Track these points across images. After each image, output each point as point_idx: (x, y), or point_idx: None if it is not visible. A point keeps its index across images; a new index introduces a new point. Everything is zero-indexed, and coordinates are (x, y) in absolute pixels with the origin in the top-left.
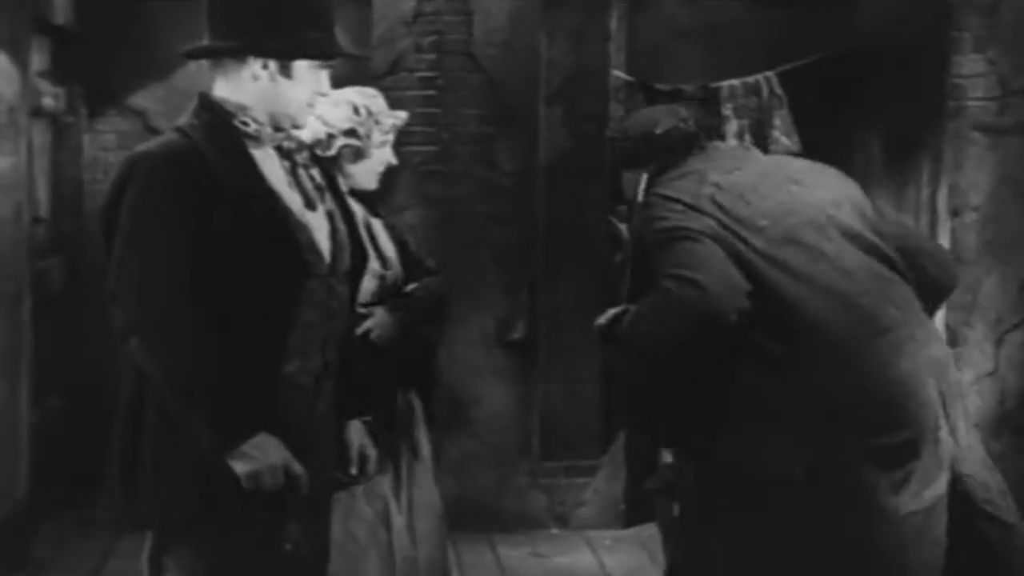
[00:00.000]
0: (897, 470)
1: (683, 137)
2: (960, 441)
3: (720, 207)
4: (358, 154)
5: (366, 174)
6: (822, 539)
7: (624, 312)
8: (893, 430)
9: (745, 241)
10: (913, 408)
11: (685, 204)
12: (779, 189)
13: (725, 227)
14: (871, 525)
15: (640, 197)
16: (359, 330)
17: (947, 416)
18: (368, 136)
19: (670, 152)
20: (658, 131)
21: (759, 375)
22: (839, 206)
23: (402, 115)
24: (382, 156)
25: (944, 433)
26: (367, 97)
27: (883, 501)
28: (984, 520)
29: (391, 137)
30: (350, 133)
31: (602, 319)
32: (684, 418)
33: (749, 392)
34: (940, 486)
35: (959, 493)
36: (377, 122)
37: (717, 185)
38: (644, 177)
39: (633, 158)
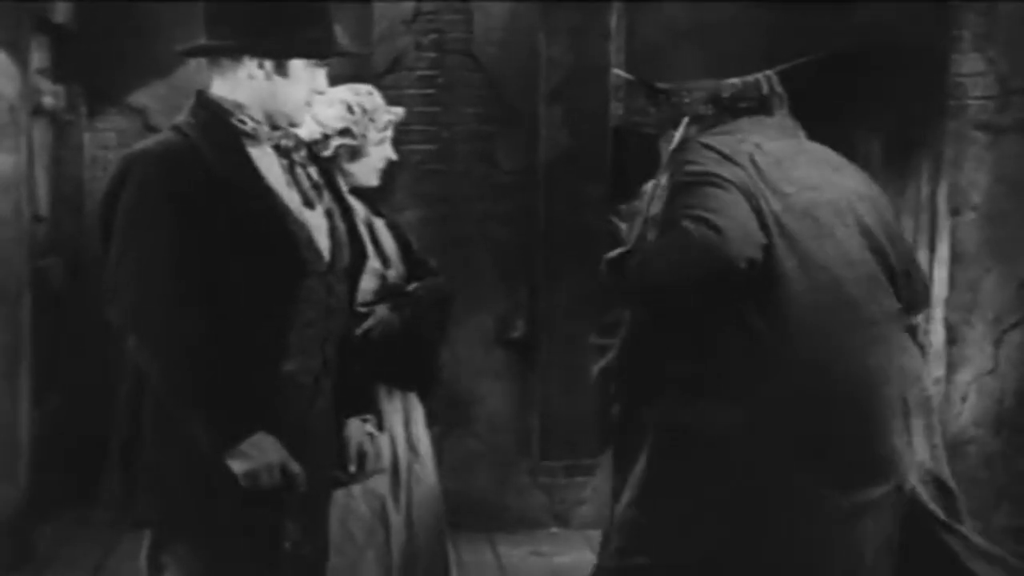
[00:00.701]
0: (835, 461)
1: (749, 97)
2: (916, 455)
3: (755, 164)
4: (355, 153)
5: (366, 172)
6: (742, 514)
7: (634, 250)
8: (846, 421)
9: (768, 203)
10: (871, 405)
11: (721, 154)
12: (814, 165)
13: (754, 183)
14: (789, 508)
15: (675, 144)
16: (360, 329)
17: (908, 428)
18: (364, 134)
19: (726, 113)
20: (725, 95)
21: (737, 346)
22: (863, 199)
23: (398, 111)
24: (381, 153)
25: (902, 443)
26: (361, 95)
27: (808, 488)
28: (945, 532)
29: (389, 133)
30: (345, 132)
31: (613, 253)
32: (656, 383)
33: (723, 363)
34: (875, 492)
35: (914, 505)
36: (372, 119)
37: (758, 146)
38: (683, 125)
39: (696, 118)
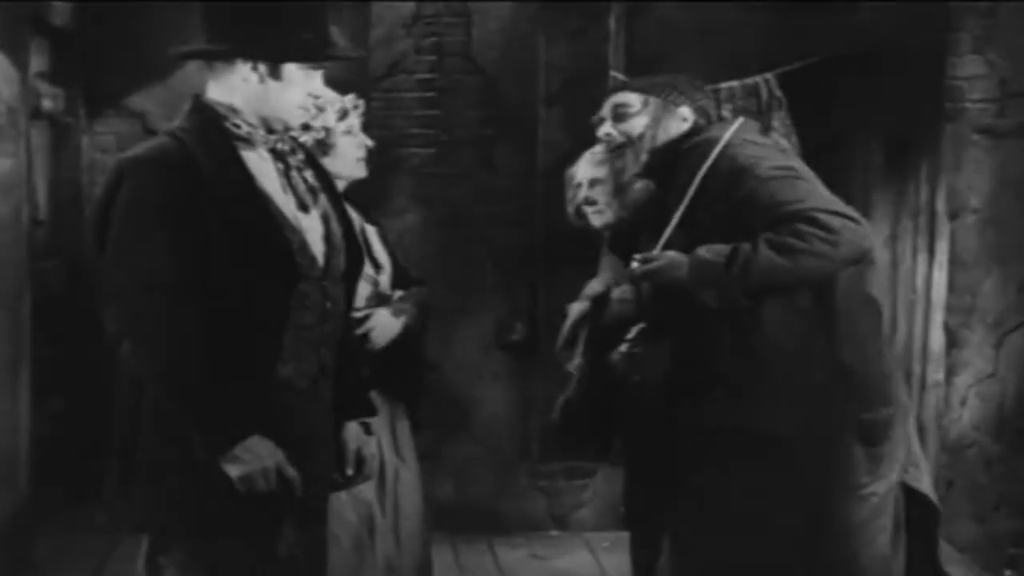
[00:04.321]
0: (872, 447)
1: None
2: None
3: (801, 160)
4: (324, 146)
5: (346, 163)
6: (790, 502)
7: (739, 248)
8: (881, 406)
9: None
10: (894, 389)
11: (779, 148)
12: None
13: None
14: (839, 497)
15: (723, 142)
16: (360, 331)
17: (909, 410)
18: (325, 126)
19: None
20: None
21: (791, 337)
22: None
23: (350, 97)
24: (355, 141)
25: (910, 425)
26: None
27: (854, 475)
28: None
29: (355, 120)
30: (304, 128)
31: (708, 253)
32: (703, 384)
33: (777, 352)
34: (894, 477)
35: (919, 490)
36: (321, 109)
37: (788, 142)
38: (737, 124)
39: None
